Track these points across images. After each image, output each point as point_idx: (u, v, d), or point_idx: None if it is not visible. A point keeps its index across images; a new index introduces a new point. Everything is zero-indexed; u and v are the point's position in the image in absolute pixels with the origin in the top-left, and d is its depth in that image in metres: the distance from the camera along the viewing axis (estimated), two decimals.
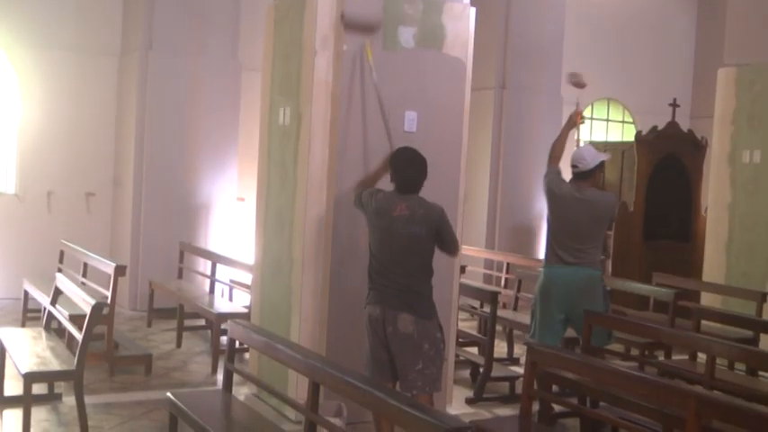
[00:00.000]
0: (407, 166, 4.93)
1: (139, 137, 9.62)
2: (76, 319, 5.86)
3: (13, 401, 5.66)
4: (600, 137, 13.68)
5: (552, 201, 6.10)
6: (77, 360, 5.18)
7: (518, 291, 8.57)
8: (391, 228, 4.82)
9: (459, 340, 7.18)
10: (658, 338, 6.25)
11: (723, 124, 8.78)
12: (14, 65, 9.81)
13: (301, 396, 4.79)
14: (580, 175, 6.05)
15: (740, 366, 6.70)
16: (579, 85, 6.41)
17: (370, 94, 5.76)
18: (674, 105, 10.58)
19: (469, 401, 6.54)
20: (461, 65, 6.19)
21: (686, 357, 6.67)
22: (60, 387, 6.03)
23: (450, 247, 4.99)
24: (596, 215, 6.02)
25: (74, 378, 5.18)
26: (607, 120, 13.99)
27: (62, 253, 8.53)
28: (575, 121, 6.37)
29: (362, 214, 5.12)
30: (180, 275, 9.18)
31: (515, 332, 8.20)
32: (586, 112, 13.61)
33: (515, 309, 8.51)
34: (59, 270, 8.12)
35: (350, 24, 5.69)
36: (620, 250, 9.96)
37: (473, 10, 6.27)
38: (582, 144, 6.64)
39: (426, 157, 5.00)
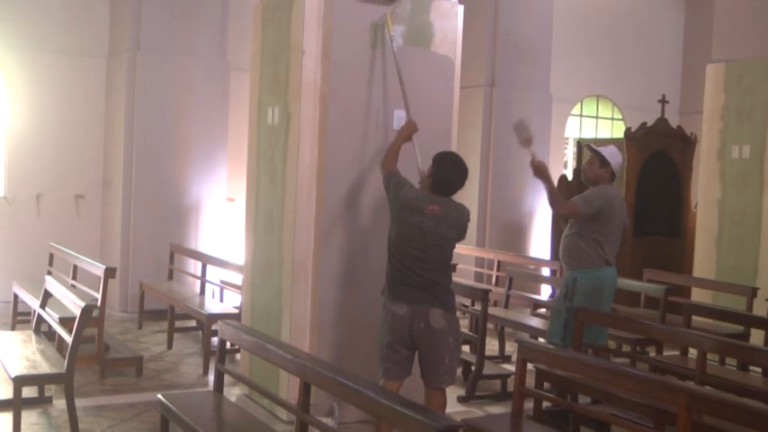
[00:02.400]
0: (452, 173, 5.02)
1: (128, 138, 9.59)
2: (66, 321, 5.84)
3: (2, 405, 5.62)
4: (589, 134, 13.70)
5: (611, 210, 5.89)
6: (67, 363, 5.16)
7: (509, 288, 8.57)
8: (422, 225, 4.87)
9: None
10: (649, 334, 6.26)
11: (712, 120, 8.80)
12: (2, 67, 9.75)
13: (293, 396, 4.78)
14: (614, 176, 6.11)
15: (731, 362, 6.73)
16: (527, 141, 6.04)
17: (359, 93, 5.76)
18: (664, 102, 10.59)
19: (461, 400, 6.54)
20: (450, 63, 6.19)
21: (677, 353, 6.69)
22: (51, 390, 6.00)
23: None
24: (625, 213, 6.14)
25: (64, 381, 5.16)
26: (596, 117, 14.02)
27: (51, 255, 8.50)
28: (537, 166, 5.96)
29: (387, 197, 5.13)
30: (170, 277, 9.15)
31: (507, 330, 8.21)
32: (575, 110, 13.64)
33: (506, 306, 8.52)
34: (49, 273, 8.08)
35: None
36: None
37: (461, 8, 6.27)
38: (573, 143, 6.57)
39: None
